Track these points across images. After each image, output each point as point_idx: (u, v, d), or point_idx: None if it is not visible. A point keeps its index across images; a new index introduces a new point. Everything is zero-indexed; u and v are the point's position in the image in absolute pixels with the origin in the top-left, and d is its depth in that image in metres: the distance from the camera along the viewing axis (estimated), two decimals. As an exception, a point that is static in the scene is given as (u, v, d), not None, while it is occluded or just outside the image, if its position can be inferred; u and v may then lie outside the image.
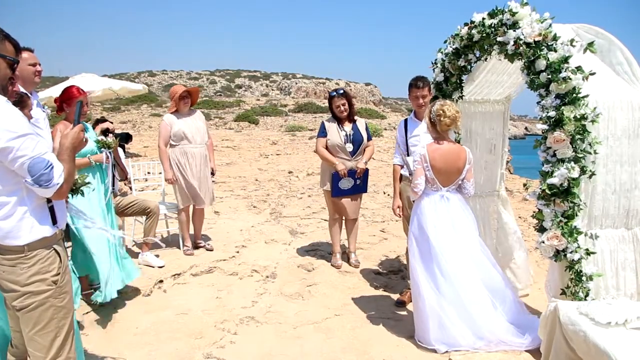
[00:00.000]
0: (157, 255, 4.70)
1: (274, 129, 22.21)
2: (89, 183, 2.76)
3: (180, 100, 4.67)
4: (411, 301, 3.72)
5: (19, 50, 1.89)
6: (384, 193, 8.05)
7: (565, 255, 2.65)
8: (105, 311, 3.61)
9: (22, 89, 2.51)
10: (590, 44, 2.75)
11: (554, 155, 2.65)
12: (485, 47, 3.07)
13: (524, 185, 3.13)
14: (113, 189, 3.73)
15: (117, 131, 3.97)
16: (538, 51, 2.66)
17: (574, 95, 2.58)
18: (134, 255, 4.59)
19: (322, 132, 4.47)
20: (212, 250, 4.97)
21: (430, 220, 3.10)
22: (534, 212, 2.89)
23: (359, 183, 4.44)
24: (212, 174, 4.95)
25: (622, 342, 2.01)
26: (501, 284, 3.14)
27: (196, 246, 5.03)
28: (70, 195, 2.51)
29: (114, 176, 3.73)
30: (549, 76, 2.62)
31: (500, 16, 2.86)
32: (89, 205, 3.37)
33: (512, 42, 2.76)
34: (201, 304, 3.83)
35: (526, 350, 2.97)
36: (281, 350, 3.14)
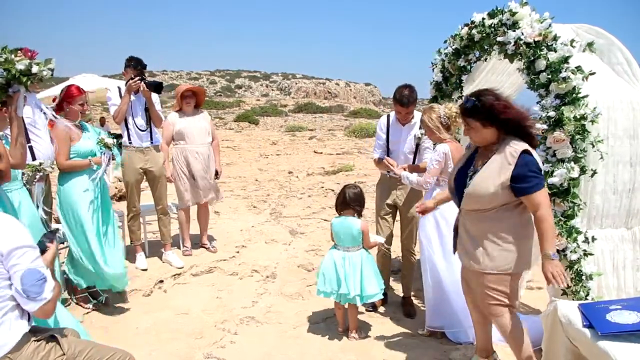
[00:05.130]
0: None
1: (274, 129, 22.22)
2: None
3: (182, 99, 4.66)
4: (411, 305, 3.73)
5: None
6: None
7: (565, 255, 2.65)
8: (105, 311, 3.62)
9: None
10: (590, 44, 2.75)
11: (554, 155, 2.65)
12: (485, 47, 3.07)
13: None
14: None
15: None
16: (538, 51, 2.66)
17: (574, 95, 2.58)
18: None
19: None
20: (215, 252, 4.95)
21: (448, 211, 3.13)
22: (534, 211, 2.89)
23: None
24: (217, 175, 4.84)
25: (622, 342, 2.01)
26: None
27: (201, 246, 5.03)
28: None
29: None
30: (549, 76, 2.62)
31: (500, 16, 2.86)
32: (83, 208, 3.43)
33: (512, 42, 2.77)
34: (201, 304, 3.83)
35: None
36: (281, 350, 3.14)
